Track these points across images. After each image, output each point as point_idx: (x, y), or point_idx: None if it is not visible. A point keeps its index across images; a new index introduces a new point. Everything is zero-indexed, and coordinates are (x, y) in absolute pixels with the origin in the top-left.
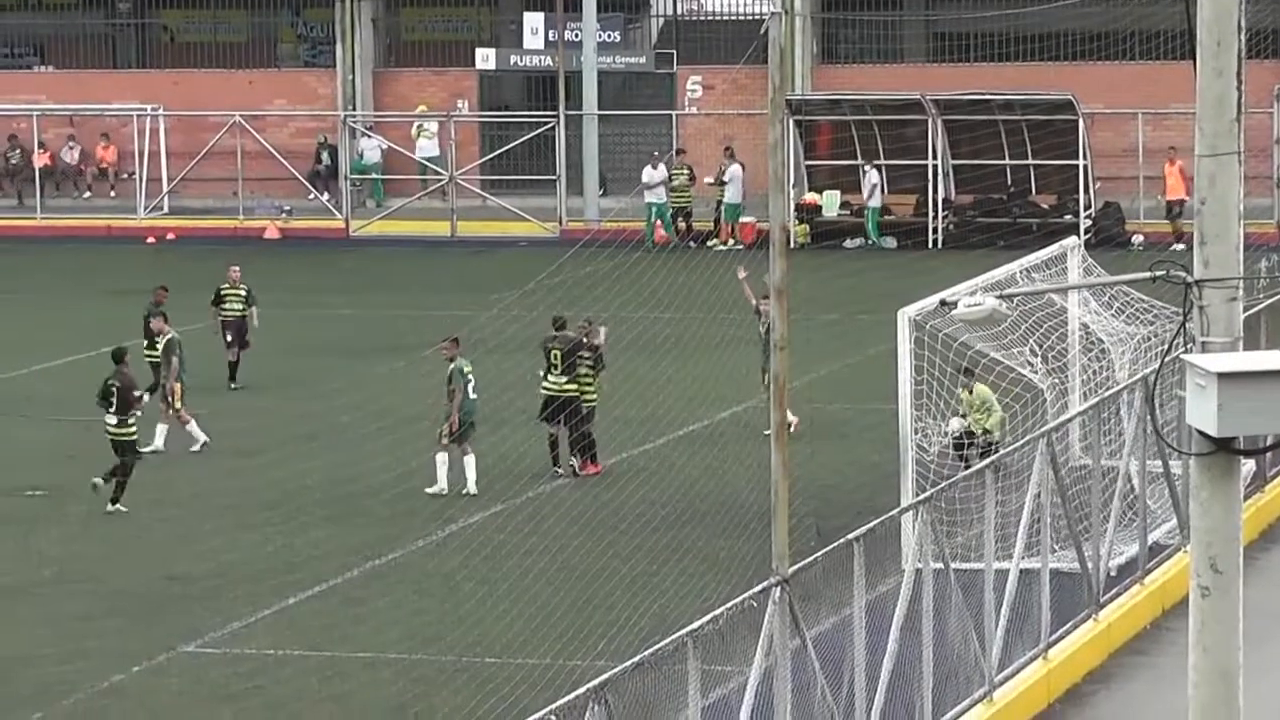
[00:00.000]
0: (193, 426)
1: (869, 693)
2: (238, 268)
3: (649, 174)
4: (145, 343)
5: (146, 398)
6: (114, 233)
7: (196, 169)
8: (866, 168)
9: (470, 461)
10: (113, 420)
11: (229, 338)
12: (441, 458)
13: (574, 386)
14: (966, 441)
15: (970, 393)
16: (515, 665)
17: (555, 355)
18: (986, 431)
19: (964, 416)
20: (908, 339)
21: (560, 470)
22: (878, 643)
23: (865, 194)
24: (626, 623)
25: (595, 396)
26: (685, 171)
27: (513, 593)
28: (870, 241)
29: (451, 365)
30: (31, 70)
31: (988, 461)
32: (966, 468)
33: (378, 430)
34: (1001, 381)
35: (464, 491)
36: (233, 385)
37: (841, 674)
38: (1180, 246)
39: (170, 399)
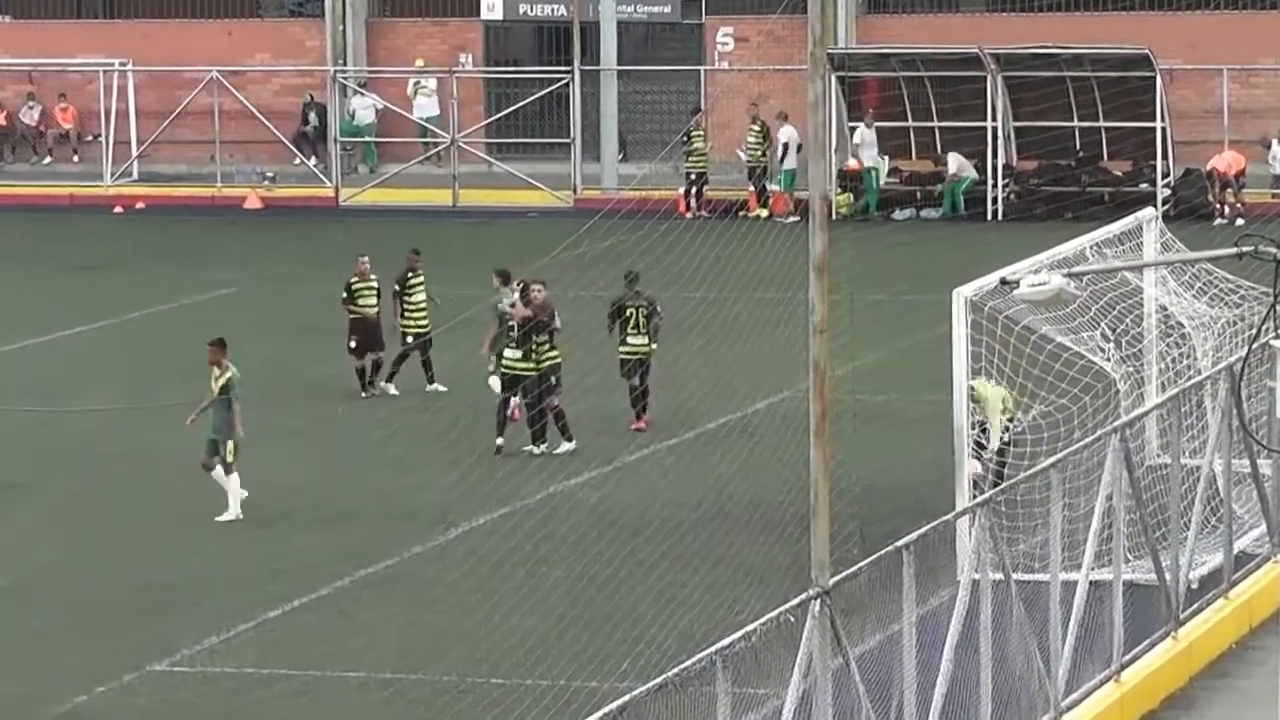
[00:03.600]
0: None
1: (919, 718)
2: (366, 257)
3: (862, 133)
4: (401, 309)
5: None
6: (77, 201)
7: (169, 130)
8: (948, 155)
9: (235, 482)
10: (515, 354)
11: (355, 341)
12: (220, 473)
13: (654, 346)
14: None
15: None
16: (525, 686)
17: (640, 315)
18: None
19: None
20: (964, 322)
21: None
22: (930, 662)
23: (952, 171)
24: (650, 639)
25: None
26: (703, 134)
27: (523, 605)
28: (957, 213)
29: (228, 374)
30: None
31: (1051, 462)
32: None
33: (373, 422)
34: (1069, 370)
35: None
36: (374, 393)
37: (889, 697)
38: (1241, 221)
39: None
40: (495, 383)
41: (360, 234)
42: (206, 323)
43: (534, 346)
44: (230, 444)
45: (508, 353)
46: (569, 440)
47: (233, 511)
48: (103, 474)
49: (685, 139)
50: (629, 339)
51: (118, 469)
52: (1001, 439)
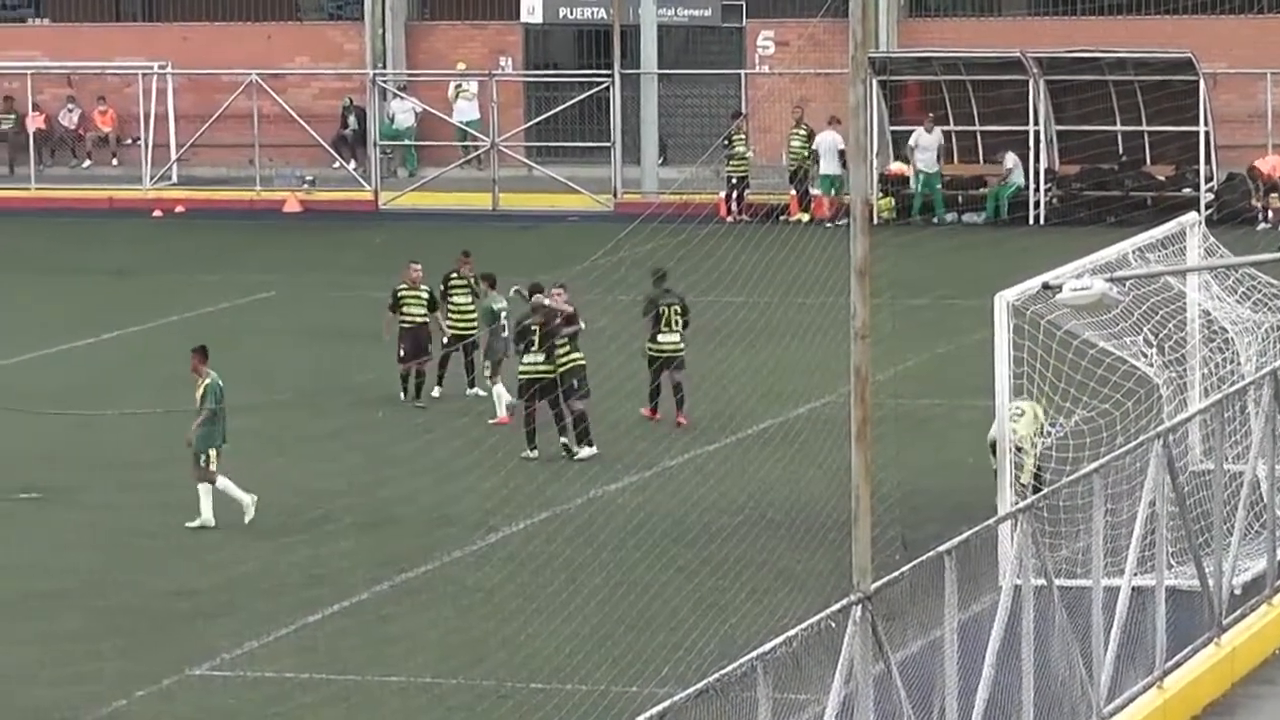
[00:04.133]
0: None
1: None
2: (419, 265)
3: (919, 137)
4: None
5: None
6: (116, 205)
7: (208, 134)
8: (1004, 153)
9: (226, 485)
10: (537, 357)
11: (403, 350)
12: (204, 488)
13: (684, 345)
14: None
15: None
16: (565, 691)
17: (674, 312)
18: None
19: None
20: (1006, 326)
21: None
22: (971, 668)
23: (1008, 167)
24: (690, 645)
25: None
26: (744, 138)
27: (563, 610)
28: (999, 217)
29: (205, 382)
30: (26, 23)
31: (1094, 467)
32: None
33: (413, 427)
34: (1111, 375)
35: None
36: (418, 403)
37: (931, 703)
38: None
39: None
40: (501, 392)
41: (400, 238)
42: (245, 326)
43: (555, 349)
44: (213, 452)
45: (527, 357)
46: (589, 445)
47: (249, 509)
48: (140, 478)
49: (726, 143)
50: (659, 336)
51: (155, 473)
52: (1044, 444)
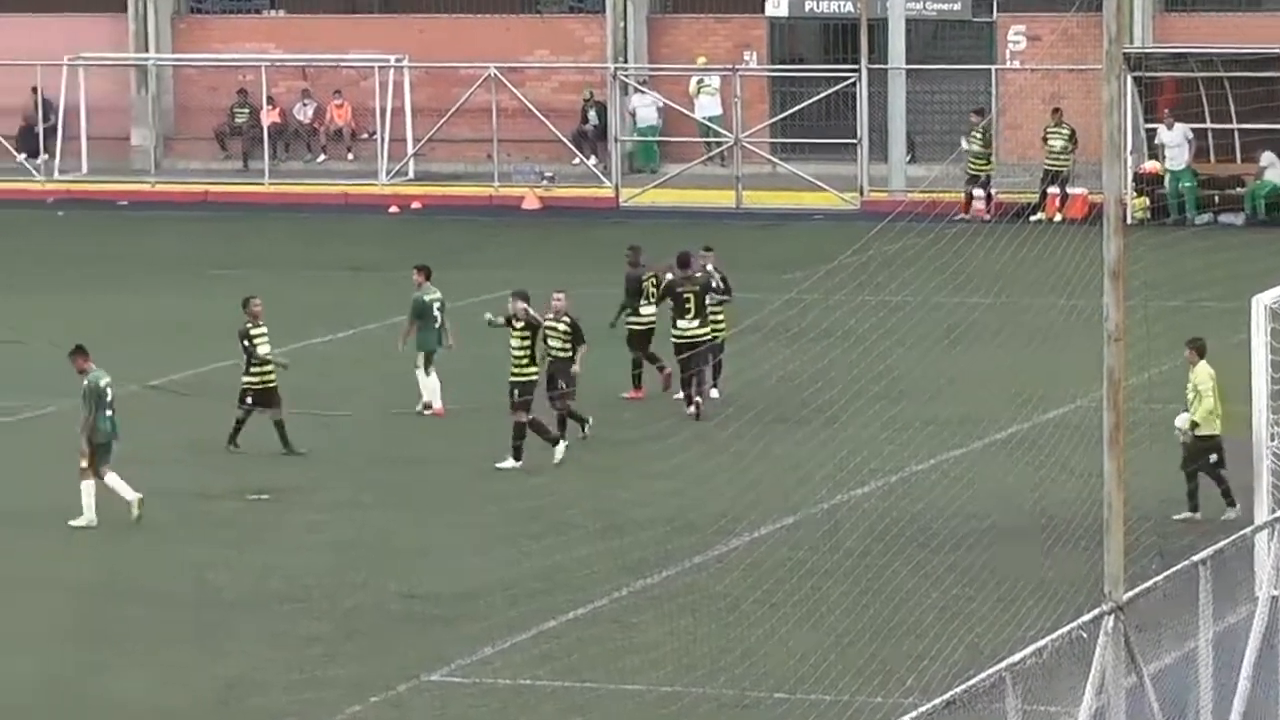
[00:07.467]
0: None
1: None
2: (562, 294)
3: (1161, 134)
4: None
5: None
6: (351, 201)
7: (445, 128)
8: (1262, 151)
9: (114, 481)
10: (693, 323)
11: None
12: (87, 485)
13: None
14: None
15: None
16: (808, 702)
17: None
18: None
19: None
20: (1263, 330)
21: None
22: (1227, 681)
23: (1263, 166)
24: (935, 654)
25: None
26: (981, 135)
27: (807, 618)
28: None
29: (86, 381)
30: (260, 15)
31: None
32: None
33: (652, 431)
34: None
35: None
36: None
37: (1185, 717)
38: None
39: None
40: (434, 384)
41: (641, 235)
42: (483, 325)
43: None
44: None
45: (681, 323)
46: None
47: (86, 517)
48: (375, 479)
49: (977, 138)
50: (640, 310)
51: (391, 473)
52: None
